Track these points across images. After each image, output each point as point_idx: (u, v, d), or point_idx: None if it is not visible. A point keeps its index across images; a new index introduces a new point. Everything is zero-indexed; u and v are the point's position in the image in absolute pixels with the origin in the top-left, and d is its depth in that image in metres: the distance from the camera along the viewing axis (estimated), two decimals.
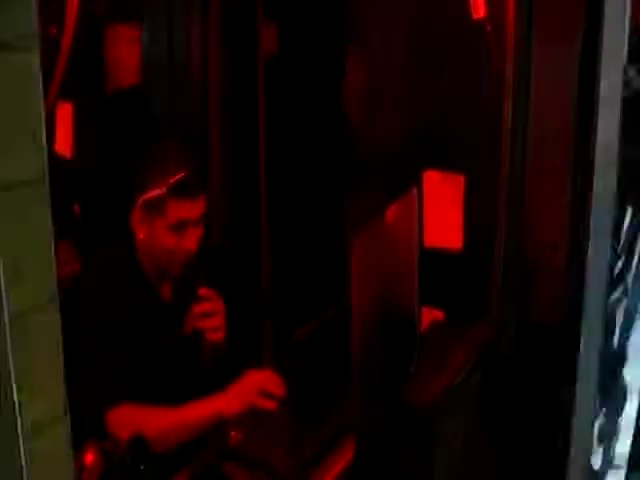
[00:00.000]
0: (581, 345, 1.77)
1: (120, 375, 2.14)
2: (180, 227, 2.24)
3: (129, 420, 2.08)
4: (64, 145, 3.02)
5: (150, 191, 2.21)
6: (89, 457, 1.75)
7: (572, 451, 1.94)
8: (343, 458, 2.06)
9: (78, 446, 1.75)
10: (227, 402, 2.16)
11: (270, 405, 2.17)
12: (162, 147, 2.38)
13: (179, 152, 2.33)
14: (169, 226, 2.24)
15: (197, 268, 2.34)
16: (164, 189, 2.19)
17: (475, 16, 2.70)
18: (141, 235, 2.29)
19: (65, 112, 2.99)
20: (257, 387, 2.18)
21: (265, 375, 2.24)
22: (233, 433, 2.14)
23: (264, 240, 3.23)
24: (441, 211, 2.80)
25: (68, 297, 2.26)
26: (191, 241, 2.27)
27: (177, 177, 2.19)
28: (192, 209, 2.25)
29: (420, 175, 2.82)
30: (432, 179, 2.82)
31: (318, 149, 3.25)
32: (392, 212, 2.22)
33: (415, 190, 2.42)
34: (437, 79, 2.91)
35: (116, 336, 2.18)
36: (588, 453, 2.01)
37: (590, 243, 1.93)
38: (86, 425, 1.99)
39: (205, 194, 2.30)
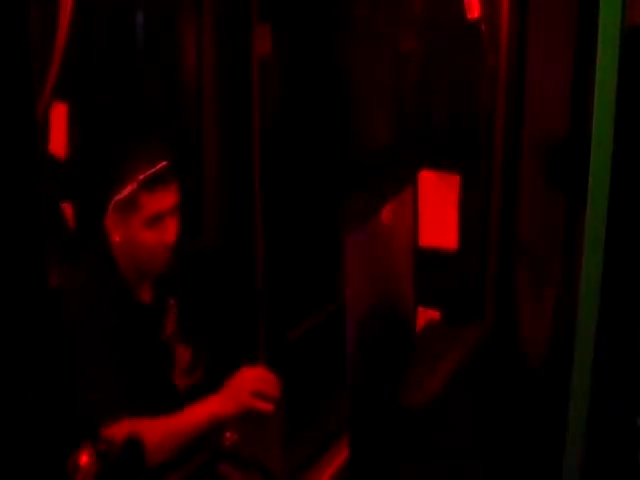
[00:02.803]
0: (576, 344, 1.77)
1: (105, 381, 2.12)
2: (157, 220, 2.21)
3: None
4: (58, 146, 3.02)
5: (121, 190, 2.18)
6: (83, 458, 1.74)
7: (567, 451, 1.94)
8: (337, 459, 2.06)
9: (72, 448, 1.75)
10: (222, 404, 2.14)
11: (266, 407, 2.14)
12: (128, 144, 2.34)
13: (146, 146, 2.30)
14: (145, 221, 2.19)
15: (175, 265, 2.32)
16: (135, 184, 2.16)
17: (470, 16, 2.70)
18: (117, 238, 2.24)
19: (59, 113, 2.99)
20: (252, 387, 2.15)
21: (260, 374, 2.21)
22: (228, 434, 2.13)
23: (259, 240, 3.23)
24: (436, 211, 2.80)
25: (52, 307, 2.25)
26: (170, 233, 2.23)
27: (147, 171, 2.16)
28: (166, 199, 2.21)
29: (415, 175, 2.82)
30: (427, 179, 2.81)
31: (313, 149, 3.25)
32: (387, 212, 2.22)
33: (410, 190, 2.42)
34: (432, 79, 2.91)
35: (98, 346, 2.15)
36: (583, 453, 2.01)
37: (585, 243, 1.93)
38: (80, 430, 1.98)
39: (177, 182, 2.26)
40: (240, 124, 3.23)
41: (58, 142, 3.01)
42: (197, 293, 2.45)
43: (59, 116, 2.99)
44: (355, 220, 2.16)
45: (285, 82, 3.30)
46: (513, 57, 2.60)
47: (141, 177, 2.15)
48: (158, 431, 2.09)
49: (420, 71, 2.93)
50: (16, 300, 1.09)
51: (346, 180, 3.02)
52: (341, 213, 2.91)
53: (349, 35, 3.16)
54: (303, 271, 3.14)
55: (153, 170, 2.16)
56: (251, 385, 2.15)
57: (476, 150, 2.76)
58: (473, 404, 2.58)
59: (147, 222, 2.20)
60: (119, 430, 2.05)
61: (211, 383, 2.24)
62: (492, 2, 2.66)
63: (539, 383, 2.58)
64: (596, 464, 1.95)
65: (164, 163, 2.20)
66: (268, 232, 3.22)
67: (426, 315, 2.75)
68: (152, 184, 2.17)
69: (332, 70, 3.22)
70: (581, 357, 1.77)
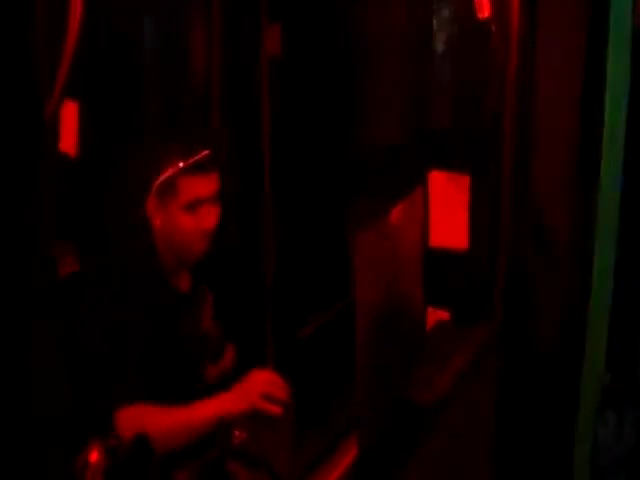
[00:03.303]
0: (586, 344, 1.77)
1: (135, 371, 2.14)
2: (195, 206, 2.23)
3: (135, 421, 2.07)
4: (68, 144, 3.02)
5: (161, 174, 2.21)
6: (93, 455, 1.74)
7: (575, 450, 1.93)
8: (346, 457, 2.06)
9: (82, 444, 1.75)
10: (232, 403, 2.15)
11: (275, 409, 2.15)
12: (170, 132, 2.39)
13: (186, 133, 2.34)
14: (183, 206, 2.22)
15: (213, 255, 2.33)
16: (174, 168, 2.19)
17: (480, 16, 2.70)
18: (158, 222, 2.27)
19: (70, 111, 2.99)
20: (262, 389, 2.17)
21: (270, 377, 2.23)
22: (237, 432, 2.14)
23: (268, 238, 3.23)
24: (447, 211, 2.80)
25: (69, 296, 2.27)
26: (208, 220, 2.25)
27: (187, 156, 2.19)
28: (205, 186, 2.23)
29: (426, 175, 2.82)
30: (438, 179, 2.81)
31: (323, 149, 3.25)
32: (397, 212, 2.22)
33: (420, 190, 2.42)
34: (442, 79, 2.91)
35: (133, 333, 2.17)
36: (591, 456, 2.01)
37: (596, 243, 1.93)
38: (94, 423, 1.99)
39: (218, 171, 2.28)
40: (249, 124, 3.23)
41: (68, 141, 3.02)
42: (225, 285, 2.47)
43: (69, 115, 2.99)
44: (364, 220, 2.16)
45: (295, 81, 3.30)
46: (523, 56, 2.60)
47: (181, 162, 2.18)
48: (166, 419, 2.11)
49: (430, 70, 2.93)
50: (23, 291, 1.10)
51: (356, 179, 3.02)
52: (350, 213, 2.91)
53: (359, 34, 3.16)
54: (312, 269, 3.14)
55: (194, 157, 2.19)
56: (261, 387, 2.17)
57: (487, 150, 2.75)
58: (482, 403, 2.58)
59: (185, 207, 2.22)
60: (127, 415, 2.06)
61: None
62: (502, 2, 2.66)
63: (550, 384, 2.57)
64: (605, 462, 1.94)
65: (206, 151, 2.22)
66: (277, 231, 3.23)
67: (435, 315, 2.74)
68: (191, 170, 2.20)
69: (342, 69, 3.22)
70: (592, 356, 1.77)
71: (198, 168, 2.21)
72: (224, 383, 2.26)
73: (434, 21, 2.93)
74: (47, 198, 1.12)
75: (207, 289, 2.40)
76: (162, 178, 2.20)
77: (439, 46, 2.91)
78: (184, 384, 2.28)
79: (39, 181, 1.10)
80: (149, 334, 2.19)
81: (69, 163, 3.07)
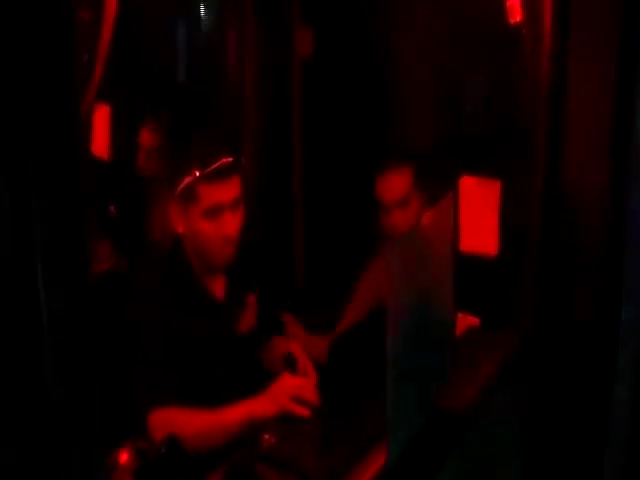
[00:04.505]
0: (620, 348, 1.76)
1: (172, 376, 2.15)
2: (215, 212, 2.22)
3: (166, 423, 2.08)
4: (101, 147, 3.04)
5: (181, 181, 2.22)
6: (123, 456, 1.76)
7: (607, 458, 1.92)
8: (375, 462, 2.05)
9: (113, 445, 1.76)
10: (262, 406, 2.17)
11: (304, 412, 2.17)
12: (193, 138, 2.39)
13: (208, 139, 2.34)
14: (203, 212, 2.22)
15: (246, 262, 2.33)
16: (193, 175, 2.19)
17: (512, 21, 2.68)
18: (181, 228, 2.28)
19: (102, 114, 3.01)
20: (292, 392, 2.18)
21: (300, 381, 2.25)
22: (266, 436, 2.14)
23: (298, 240, 3.24)
24: (477, 216, 2.79)
25: (106, 292, 2.30)
26: (229, 227, 2.24)
27: (208, 163, 2.19)
28: (225, 192, 2.23)
29: (456, 180, 2.81)
30: (468, 184, 2.80)
31: (353, 152, 3.25)
32: (428, 217, 2.21)
33: (451, 195, 2.41)
34: (473, 83, 2.90)
35: (169, 339, 2.18)
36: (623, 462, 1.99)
37: (627, 250, 1.91)
38: (126, 425, 2.00)
39: (239, 176, 2.28)
40: (280, 125, 3.24)
41: (101, 143, 3.04)
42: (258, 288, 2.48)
43: (102, 117, 3.01)
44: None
45: (326, 83, 3.31)
46: (556, 60, 2.58)
47: (201, 169, 2.19)
48: (197, 422, 2.13)
49: (461, 75, 2.93)
50: (57, 290, 1.10)
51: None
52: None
53: (390, 37, 3.16)
54: (342, 272, 3.14)
55: (215, 164, 2.20)
56: (291, 390, 2.19)
57: (518, 155, 2.74)
58: (511, 411, 2.56)
59: (205, 214, 2.23)
60: (159, 418, 2.08)
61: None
62: (534, 5, 2.64)
63: (582, 390, 2.55)
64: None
65: (227, 159, 2.23)
66: (307, 233, 3.23)
67: (465, 321, 2.73)
68: (210, 176, 2.20)
69: (373, 72, 3.22)
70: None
71: (217, 175, 2.21)
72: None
73: (465, 25, 2.92)
74: (81, 197, 1.13)
75: (244, 293, 2.41)
76: (181, 185, 2.21)
77: (471, 50, 2.90)
78: (233, 386, 2.29)
79: (73, 181, 1.11)
80: (182, 337, 2.20)
81: (104, 165, 3.10)
